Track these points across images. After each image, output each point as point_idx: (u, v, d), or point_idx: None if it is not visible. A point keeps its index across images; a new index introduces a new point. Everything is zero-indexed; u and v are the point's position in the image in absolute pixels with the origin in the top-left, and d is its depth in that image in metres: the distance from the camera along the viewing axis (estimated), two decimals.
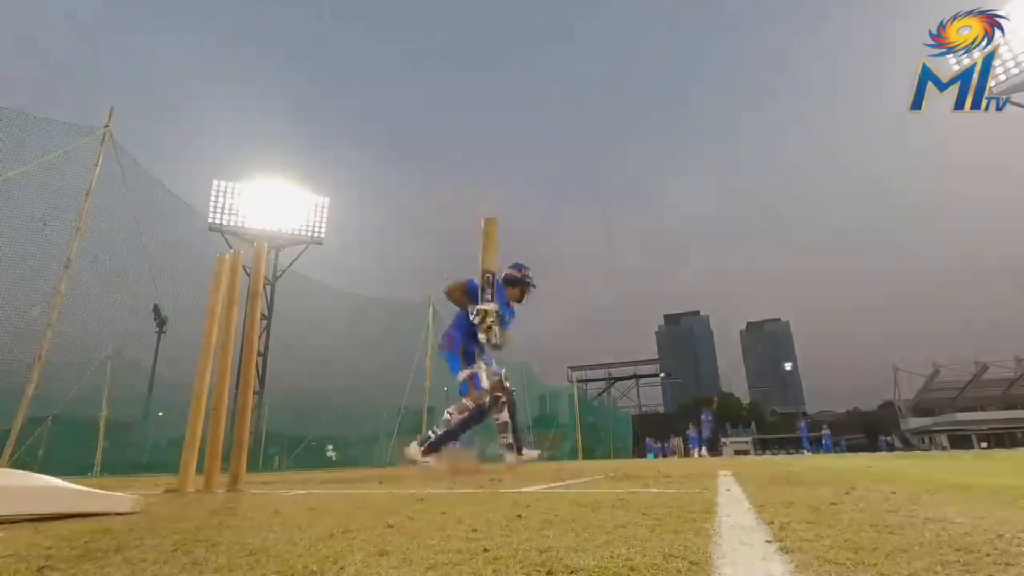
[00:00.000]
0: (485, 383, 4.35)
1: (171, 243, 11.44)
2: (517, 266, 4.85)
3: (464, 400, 4.34)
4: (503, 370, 4.73)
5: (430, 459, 4.09)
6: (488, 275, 4.29)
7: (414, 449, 4.16)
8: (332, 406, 15.52)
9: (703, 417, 24.44)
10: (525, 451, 4.74)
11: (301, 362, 16.44)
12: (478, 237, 4.40)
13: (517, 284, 4.77)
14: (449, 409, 4.36)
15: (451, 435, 4.23)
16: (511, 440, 4.64)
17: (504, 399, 4.62)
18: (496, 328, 4.31)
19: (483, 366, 4.41)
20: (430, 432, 4.25)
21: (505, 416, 4.65)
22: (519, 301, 4.83)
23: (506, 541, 0.91)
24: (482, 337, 4.33)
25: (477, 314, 4.26)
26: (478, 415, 4.35)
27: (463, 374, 4.41)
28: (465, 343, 4.44)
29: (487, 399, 4.34)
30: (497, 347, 4.43)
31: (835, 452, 31.01)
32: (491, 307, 4.25)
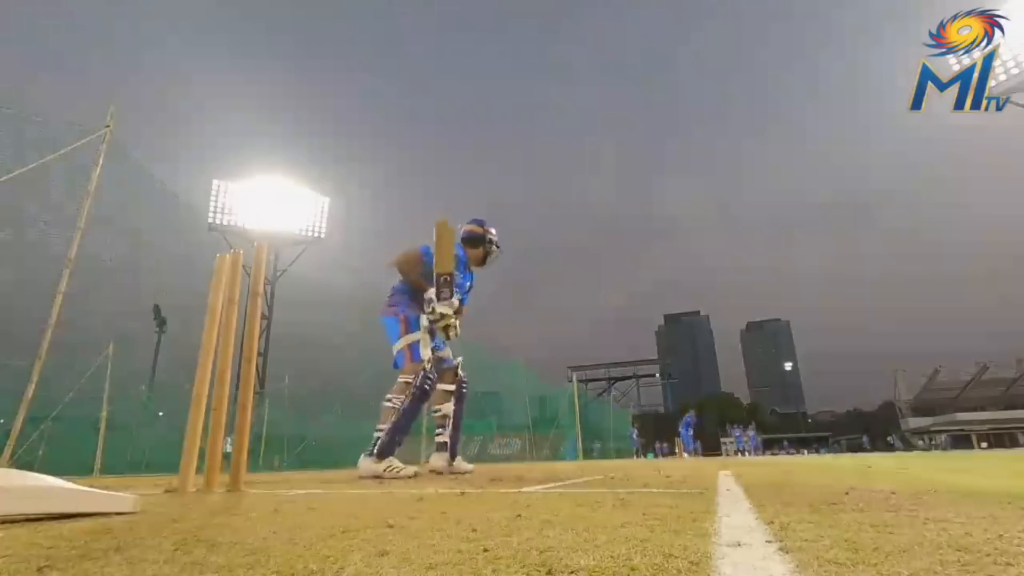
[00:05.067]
0: (426, 353, 3.69)
1: (171, 243, 11.45)
2: (478, 221, 4.18)
3: (401, 378, 3.64)
4: (460, 359, 4.19)
5: (393, 462, 3.41)
6: (444, 276, 3.64)
7: (368, 463, 3.41)
8: (332, 406, 15.53)
9: (685, 423, 24.46)
10: (458, 461, 4.04)
11: (301, 362, 16.44)
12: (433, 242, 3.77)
13: (479, 243, 4.11)
14: (388, 396, 3.63)
15: (401, 427, 3.52)
16: (447, 438, 4.02)
17: (454, 391, 4.06)
18: (456, 327, 3.76)
19: (426, 336, 3.74)
20: (375, 433, 3.54)
21: (448, 409, 4.05)
22: (481, 264, 4.18)
23: (506, 541, 0.91)
24: (441, 336, 3.82)
25: (432, 315, 3.63)
26: (422, 393, 3.59)
27: (401, 342, 3.74)
28: (409, 310, 3.80)
29: (428, 370, 3.64)
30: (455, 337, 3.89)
31: (833, 453, 31.03)
32: (449, 309, 3.63)
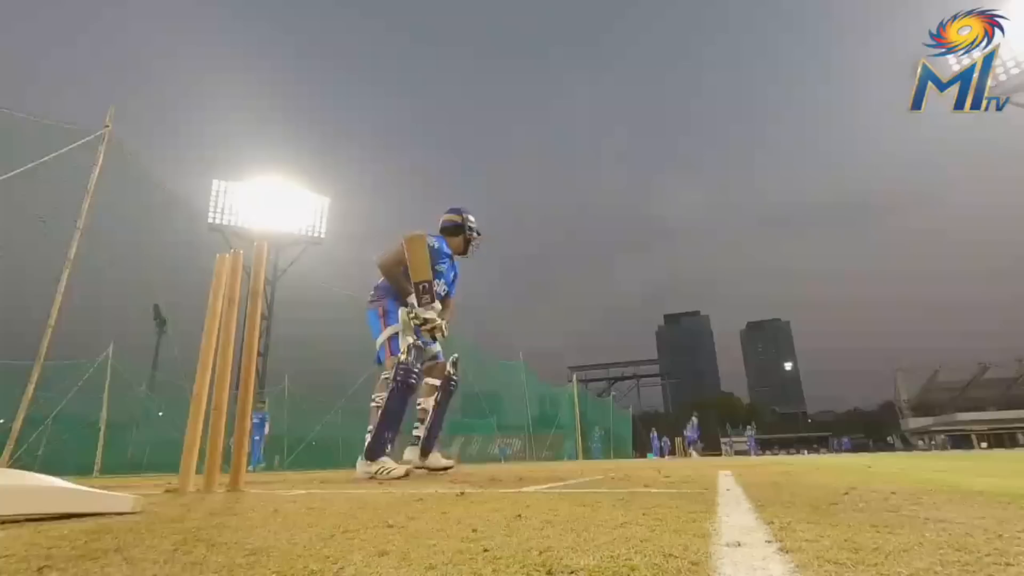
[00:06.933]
0: (404, 343, 3.49)
1: (171, 243, 11.45)
2: (455, 210, 4.00)
3: (383, 375, 3.49)
4: (455, 356, 4.03)
5: (386, 462, 3.30)
6: (422, 284, 3.53)
7: (361, 465, 3.33)
8: (332, 406, 15.54)
9: (692, 421, 24.13)
10: (433, 455, 3.84)
11: (301, 362, 16.43)
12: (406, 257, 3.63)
13: (458, 232, 3.94)
14: (373, 395, 3.52)
15: (386, 425, 3.38)
16: (421, 433, 3.85)
17: (440, 385, 3.86)
18: (443, 328, 3.66)
19: (407, 327, 3.57)
20: (366, 435, 3.41)
21: (429, 404, 3.85)
22: (463, 253, 4.01)
23: (506, 541, 0.91)
24: (426, 336, 3.68)
25: (416, 319, 3.51)
26: (405, 387, 3.38)
27: (381, 336, 3.63)
28: (388, 303, 3.68)
29: (407, 362, 3.41)
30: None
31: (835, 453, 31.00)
32: (431, 314, 3.53)
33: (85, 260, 6.60)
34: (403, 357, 3.43)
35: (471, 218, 4.04)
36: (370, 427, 3.44)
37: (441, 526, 1.11)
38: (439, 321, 3.61)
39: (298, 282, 17.57)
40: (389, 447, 3.41)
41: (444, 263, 3.82)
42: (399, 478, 3.22)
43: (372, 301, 3.80)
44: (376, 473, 3.27)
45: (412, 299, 3.57)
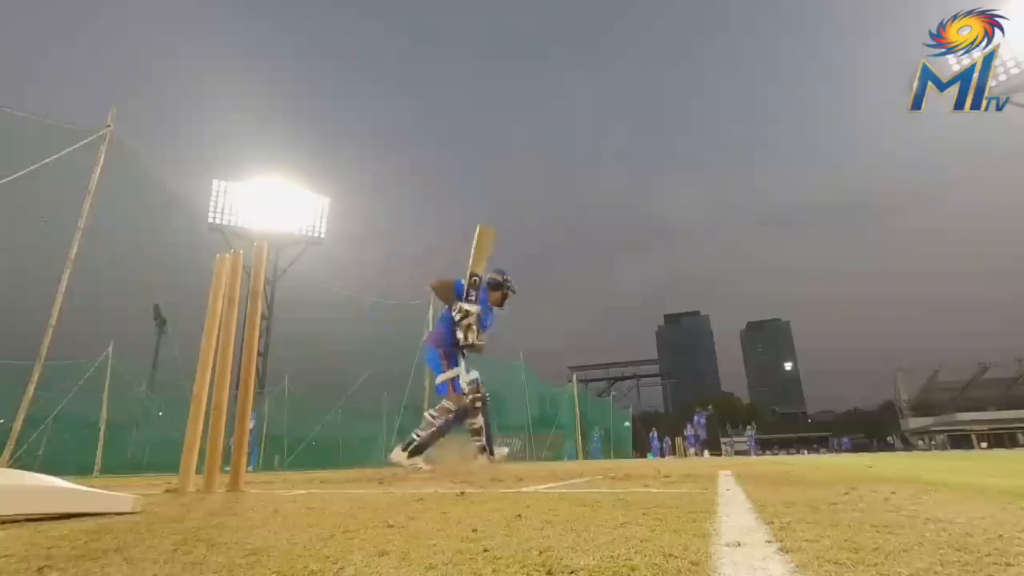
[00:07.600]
0: (464, 387, 4.51)
1: (171, 243, 11.45)
2: (499, 271, 5.04)
3: (445, 402, 4.47)
4: (479, 376, 4.88)
5: (417, 461, 4.20)
6: (475, 278, 4.42)
7: (398, 453, 4.28)
8: (332, 406, 15.53)
9: (696, 419, 24.01)
10: (496, 451, 4.84)
11: (301, 362, 16.43)
12: (472, 242, 4.48)
13: (499, 288, 4.93)
14: (431, 411, 4.51)
15: (434, 437, 4.35)
16: (483, 443, 4.76)
17: (480, 404, 4.75)
18: (474, 328, 4.45)
19: (463, 371, 4.55)
20: (413, 435, 4.36)
21: (479, 421, 4.78)
22: (500, 305, 4.97)
23: (506, 541, 0.91)
24: (460, 335, 4.49)
25: (459, 312, 4.40)
26: (458, 418, 4.47)
27: (446, 375, 4.54)
28: (448, 344, 4.56)
29: (467, 402, 4.47)
30: (472, 347, 4.58)
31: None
32: (474, 308, 4.39)
33: (85, 260, 6.59)
34: (468, 399, 4.44)
35: (510, 278, 5.00)
36: (420, 431, 4.34)
37: (441, 526, 1.11)
38: (473, 315, 4.44)
39: (298, 282, 17.60)
40: (425, 452, 4.29)
41: (483, 306, 4.64)
42: (419, 468, 4.12)
43: (436, 336, 4.64)
44: (407, 464, 4.15)
45: (461, 303, 4.44)
